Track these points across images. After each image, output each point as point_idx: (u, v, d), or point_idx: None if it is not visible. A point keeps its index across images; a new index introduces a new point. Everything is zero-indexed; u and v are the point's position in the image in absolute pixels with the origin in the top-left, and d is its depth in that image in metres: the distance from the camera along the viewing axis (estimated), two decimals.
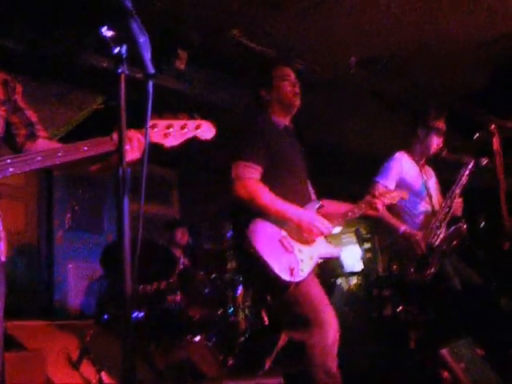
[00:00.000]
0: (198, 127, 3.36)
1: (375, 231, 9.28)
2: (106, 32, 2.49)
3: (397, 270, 5.74)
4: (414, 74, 7.85)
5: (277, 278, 4.18)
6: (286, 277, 4.18)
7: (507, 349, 5.38)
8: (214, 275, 6.96)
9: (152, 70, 2.48)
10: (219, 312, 6.76)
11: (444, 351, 4.85)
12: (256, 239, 4.27)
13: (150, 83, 2.46)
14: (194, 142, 3.29)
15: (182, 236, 8.30)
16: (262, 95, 4.79)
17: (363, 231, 9.28)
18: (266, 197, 4.35)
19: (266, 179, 4.47)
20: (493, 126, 5.30)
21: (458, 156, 5.77)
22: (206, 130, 3.39)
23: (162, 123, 3.26)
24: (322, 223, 4.37)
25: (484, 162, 5.60)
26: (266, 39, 6.89)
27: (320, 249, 4.48)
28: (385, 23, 6.62)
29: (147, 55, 2.47)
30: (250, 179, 4.39)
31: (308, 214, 4.41)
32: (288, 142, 4.74)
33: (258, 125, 4.64)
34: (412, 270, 5.45)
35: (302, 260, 4.32)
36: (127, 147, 3.01)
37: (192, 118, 3.36)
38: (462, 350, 4.99)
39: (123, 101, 2.48)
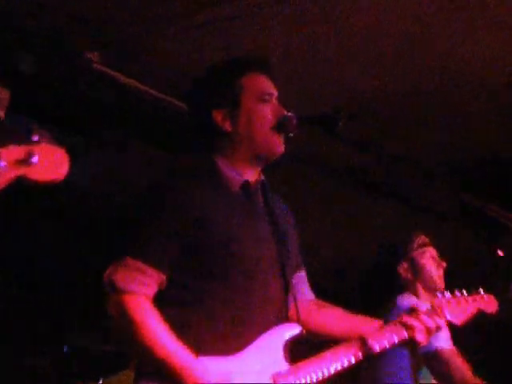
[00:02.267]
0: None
1: None
2: None
3: None
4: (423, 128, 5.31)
5: None
6: None
7: None
8: None
9: None
10: None
11: None
12: None
13: None
14: None
15: None
16: (217, 121, 2.69)
17: None
18: (151, 329, 2.41)
19: (180, 291, 2.54)
20: None
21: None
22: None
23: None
24: None
25: None
26: (145, 65, 4.50)
27: None
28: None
29: None
30: (136, 295, 2.44)
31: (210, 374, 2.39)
32: (246, 216, 2.66)
33: (178, 184, 2.61)
34: None
35: None
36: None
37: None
38: None
39: None
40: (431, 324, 2.72)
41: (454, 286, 3.19)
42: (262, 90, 2.73)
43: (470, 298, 3.02)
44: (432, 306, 2.86)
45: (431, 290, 4.11)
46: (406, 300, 3.97)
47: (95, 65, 4.37)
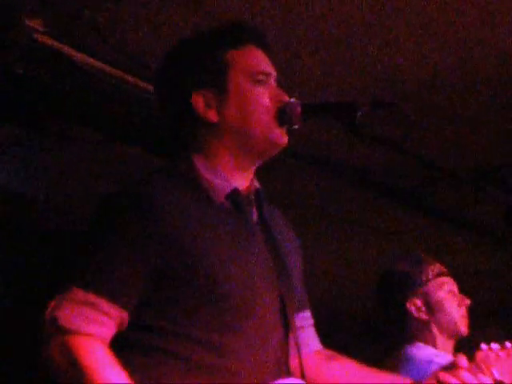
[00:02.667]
0: None
1: None
2: None
3: None
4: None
5: None
6: None
7: None
8: None
9: None
10: None
11: None
12: None
13: None
14: None
15: None
16: (198, 108, 2.20)
17: None
18: (106, 382, 1.95)
19: (147, 334, 2.08)
20: None
21: None
22: None
23: None
24: None
25: None
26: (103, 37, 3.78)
27: None
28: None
29: None
30: (88, 337, 2.00)
31: None
32: (235, 236, 2.17)
33: (144, 195, 2.11)
34: None
35: None
36: None
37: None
38: None
39: None
40: None
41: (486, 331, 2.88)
42: (256, 67, 2.23)
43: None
44: (476, 361, 2.40)
45: (450, 335, 3.42)
46: (422, 350, 3.36)
47: (37, 35, 3.65)
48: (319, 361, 2.39)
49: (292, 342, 2.24)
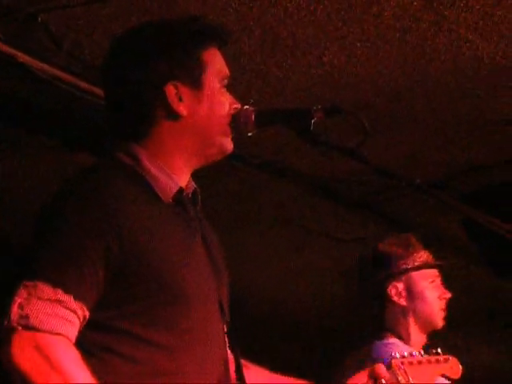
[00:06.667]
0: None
1: None
2: None
3: None
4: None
5: None
6: None
7: None
8: None
9: None
10: None
11: None
12: None
13: None
14: None
15: None
16: (169, 97, 2.12)
17: None
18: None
19: (103, 333, 2.01)
20: None
21: None
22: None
23: None
24: None
25: None
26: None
27: None
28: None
29: None
30: (60, 337, 1.91)
31: None
32: (183, 236, 2.14)
33: (107, 187, 2.04)
34: None
35: None
36: None
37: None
38: None
39: None
40: None
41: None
42: (223, 71, 2.22)
43: (431, 359, 2.67)
44: (392, 368, 2.52)
45: (425, 326, 3.36)
46: (390, 347, 3.23)
47: None
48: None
49: (230, 347, 2.22)
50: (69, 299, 1.91)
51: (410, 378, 2.53)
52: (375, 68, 3.87)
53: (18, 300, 1.89)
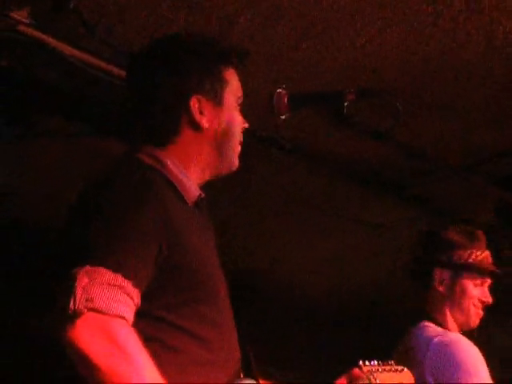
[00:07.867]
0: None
1: None
2: None
3: None
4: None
5: None
6: None
7: None
8: None
9: None
10: None
11: None
12: None
13: None
14: None
15: None
16: (193, 110, 2.24)
17: None
18: (145, 367, 1.95)
19: (148, 322, 2.09)
20: None
21: None
22: None
23: None
24: None
25: None
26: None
27: None
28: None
29: None
30: (125, 322, 1.98)
31: None
32: (205, 238, 2.30)
33: (153, 187, 2.13)
34: None
35: None
36: None
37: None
38: None
39: None
40: None
41: None
42: (240, 91, 2.36)
43: (392, 368, 2.76)
44: (364, 373, 2.64)
45: (460, 321, 3.29)
46: (425, 330, 3.24)
47: (22, 27, 3.41)
48: None
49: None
50: (128, 285, 1.96)
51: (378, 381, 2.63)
52: (406, 52, 3.84)
53: (81, 283, 1.92)
